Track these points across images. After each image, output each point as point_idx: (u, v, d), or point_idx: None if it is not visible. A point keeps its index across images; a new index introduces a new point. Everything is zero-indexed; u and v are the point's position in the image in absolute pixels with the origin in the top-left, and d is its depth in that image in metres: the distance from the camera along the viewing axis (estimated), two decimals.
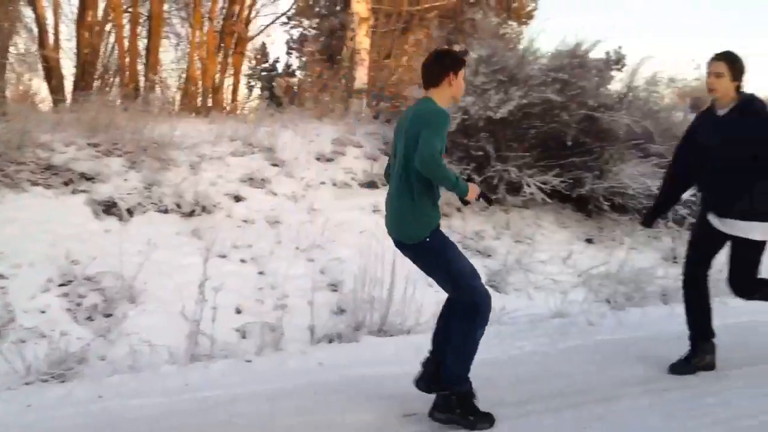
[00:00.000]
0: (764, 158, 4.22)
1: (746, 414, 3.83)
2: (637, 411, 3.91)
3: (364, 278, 5.27)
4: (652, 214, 5.00)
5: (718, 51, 4.41)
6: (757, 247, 4.39)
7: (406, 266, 5.39)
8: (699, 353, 4.62)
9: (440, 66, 3.76)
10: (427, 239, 3.66)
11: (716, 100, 4.43)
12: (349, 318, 5.25)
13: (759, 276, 4.51)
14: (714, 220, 4.48)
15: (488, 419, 3.67)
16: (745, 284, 4.52)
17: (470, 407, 3.66)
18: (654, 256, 7.83)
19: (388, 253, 5.46)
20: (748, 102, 4.35)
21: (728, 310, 6.47)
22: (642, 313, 6.17)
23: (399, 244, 3.84)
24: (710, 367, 4.60)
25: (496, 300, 6.01)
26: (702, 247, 4.68)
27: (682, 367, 4.57)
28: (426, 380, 3.84)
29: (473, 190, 3.67)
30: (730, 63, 4.32)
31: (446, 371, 3.70)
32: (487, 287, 3.77)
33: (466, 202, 3.78)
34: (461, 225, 7.73)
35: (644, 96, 9.09)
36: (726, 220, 4.42)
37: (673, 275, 6.92)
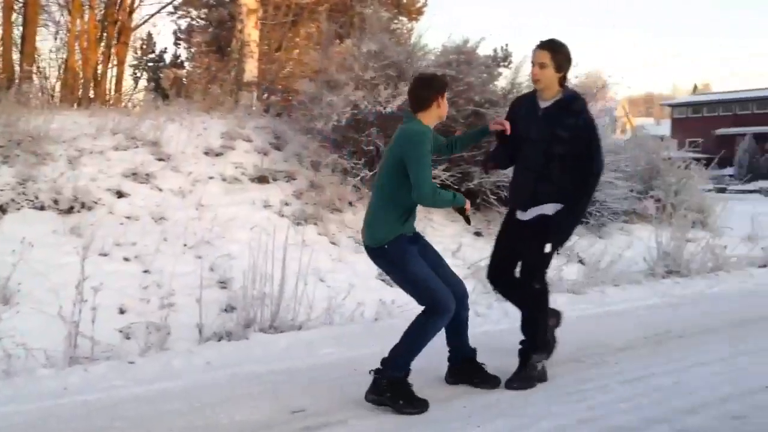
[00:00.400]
0: (574, 157, 4.22)
1: (621, 398, 4.00)
2: (520, 397, 4.02)
3: (254, 274, 5.18)
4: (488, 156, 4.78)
5: (543, 39, 4.30)
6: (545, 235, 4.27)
7: (298, 262, 5.37)
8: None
9: (429, 90, 4.01)
10: (386, 246, 3.89)
11: (540, 91, 4.32)
12: (238, 315, 5.15)
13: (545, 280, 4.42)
14: (519, 213, 4.42)
15: (419, 405, 3.80)
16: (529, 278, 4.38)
17: (401, 393, 3.80)
18: None
19: (279, 248, 5.41)
20: (572, 99, 4.31)
21: (606, 299, 6.80)
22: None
23: (367, 250, 4.06)
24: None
25: (388, 293, 6.10)
26: (504, 240, 4.53)
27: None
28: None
29: (468, 202, 4.03)
30: (554, 52, 4.23)
31: (390, 353, 3.88)
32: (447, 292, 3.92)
33: (463, 213, 4.06)
34: (353, 219, 7.74)
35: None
36: (529, 210, 4.34)
37: (556, 266, 7.18)
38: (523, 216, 4.37)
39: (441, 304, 3.87)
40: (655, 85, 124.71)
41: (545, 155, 4.24)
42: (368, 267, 6.83)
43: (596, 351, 4.97)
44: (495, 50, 13.83)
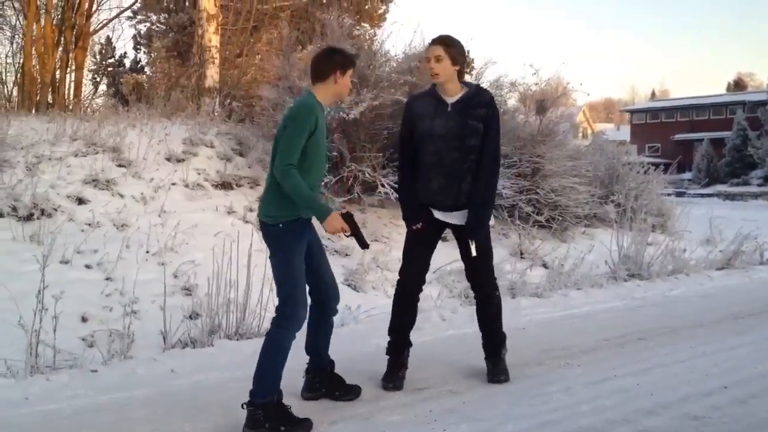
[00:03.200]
0: (489, 151, 4.24)
1: (584, 400, 4.05)
2: (485, 400, 4.05)
3: (219, 281, 5.14)
4: (414, 209, 4.39)
5: (435, 36, 4.25)
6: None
7: (263, 268, 5.34)
8: None
9: (330, 62, 3.80)
10: (280, 225, 3.64)
11: (441, 87, 4.25)
12: (203, 322, 5.11)
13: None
14: (439, 214, 4.33)
15: (303, 426, 3.57)
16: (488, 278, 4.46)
17: (280, 418, 3.54)
18: (503, 253, 8.15)
19: (244, 255, 5.38)
20: (480, 90, 4.35)
21: (569, 302, 6.89)
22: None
23: (260, 225, 3.79)
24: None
25: (354, 298, 6.12)
26: (423, 243, 4.41)
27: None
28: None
29: (333, 221, 3.60)
30: (447, 46, 4.18)
31: (254, 381, 3.60)
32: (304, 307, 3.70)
33: (357, 234, 3.75)
34: (318, 226, 7.71)
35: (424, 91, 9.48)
36: (450, 213, 4.31)
37: (520, 270, 7.26)
38: (451, 219, 4.32)
39: (293, 311, 3.62)
40: (614, 90, 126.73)
41: (460, 150, 4.20)
42: (334, 272, 6.79)
43: (560, 354, 5.03)
44: None
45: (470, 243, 4.30)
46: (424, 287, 4.49)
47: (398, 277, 4.46)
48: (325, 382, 4.05)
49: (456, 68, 4.21)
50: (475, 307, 4.59)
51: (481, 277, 4.44)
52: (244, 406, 3.56)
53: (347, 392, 4.05)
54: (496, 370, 4.44)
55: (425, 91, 4.43)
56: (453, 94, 4.25)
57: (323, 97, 3.79)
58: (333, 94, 3.85)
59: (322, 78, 3.79)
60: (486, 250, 4.38)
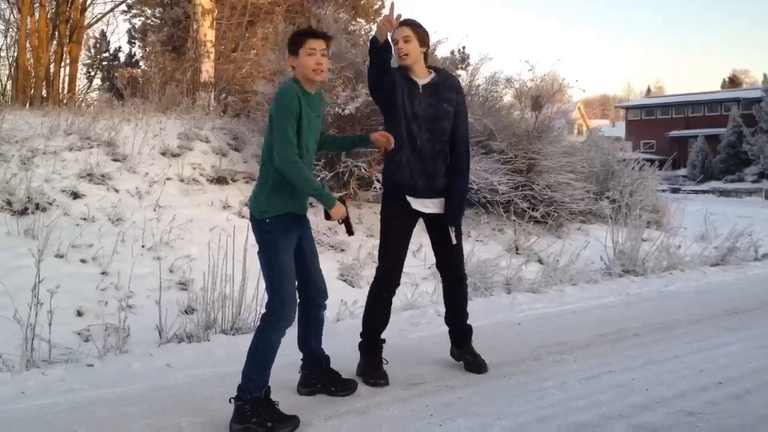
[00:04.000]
0: (462, 136, 4.29)
1: (579, 395, 4.06)
2: (481, 395, 4.05)
3: (214, 276, 5.14)
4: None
5: (403, 19, 4.16)
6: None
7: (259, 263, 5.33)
8: None
9: (290, 45, 3.75)
10: (267, 220, 3.63)
11: (410, 68, 4.20)
12: (199, 317, 5.10)
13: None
14: (416, 203, 4.29)
15: (290, 422, 3.54)
16: (462, 265, 4.47)
17: (267, 414, 3.52)
18: (498, 248, 8.17)
19: (240, 250, 5.37)
20: (448, 75, 4.35)
21: (565, 297, 6.90)
22: (487, 303, 6.43)
23: (250, 219, 3.79)
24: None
25: (349, 293, 6.11)
26: (402, 233, 4.35)
27: None
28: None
29: (339, 208, 3.71)
30: (414, 27, 4.19)
31: (242, 376, 3.59)
32: (291, 302, 3.67)
33: (329, 217, 3.77)
34: (313, 220, 7.68)
35: (485, 94, 9.48)
36: (428, 200, 4.29)
37: (515, 265, 7.27)
38: (423, 207, 4.29)
39: (279, 310, 3.60)
40: (610, 87, 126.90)
41: (431, 132, 4.20)
42: (330, 267, 6.84)
43: (555, 349, 5.04)
44: (452, 52, 13.91)
45: (450, 230, 4.30)
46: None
47: (379, 272, 4.35)
48: (321, 378, 4.05)
49: (423, 50, 4.23)
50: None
51: (456, 264, 4.45)
52: (232, 401, 3.56)
53: (343, 387, 4.04)
54: (477, 361, 4.49)
55: (397, 69, 4.26)
56: (422, 77, 4.24)
57: (302, 83, 3.70)
58: (301, 77, 3.69)
59: (291, 53, 3.72)
60: (460, 238, 4.40)
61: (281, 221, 3.65)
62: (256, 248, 3.72)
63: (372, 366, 4.31)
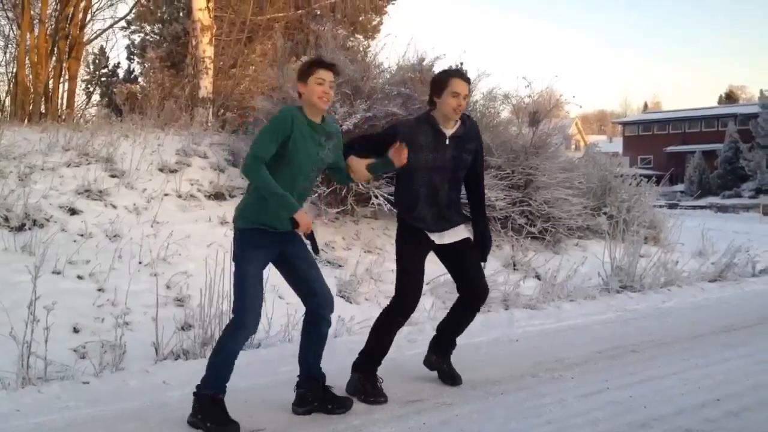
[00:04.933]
0: (481, 178, 4.54)
1: (577, 412, 4.05)
2: (479, 413, 4.04)
3: (211, 292, 5.13)
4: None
5: (460, 71, 4.48)
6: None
7: None
8: None
9: (298, 74, 3.89)
10: (238, 232, 3.82)
11: (445, 119, 4.29)
12: (196, 333, 5.09)
13: None
14: (434, 236, 4.40)
15: (229, 428, 3.64)
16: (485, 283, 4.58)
17: (210, 414, 3.67)
18: (496, 264, 8.16)
19: None
20: (471, 124, 4.44)
21: (562, 314, 6.89)
22: (484, 319, 6.41)
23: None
24: None
25: (347, 310, 6.10)
26: (421, 262, 4.43)
27: None
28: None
29: (304, 216, 3.68)
30: (469, 84, 4.39)
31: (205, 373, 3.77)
32: (251, 315, 3.79)
33: (293, 224, 3.69)
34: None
35: (482, 110, 9.51)
36: (446, 232, 4.42)
37: (513, 281, 7.26)
38: (441, 239, 4.42)
39: (240, 324, 3.75)
40: (607, 102, 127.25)
41: (451, 182, 4.36)
42: (327, 283, 6.80)
43: (553, 366, 5.03)
44: (450, 68, 13.98)
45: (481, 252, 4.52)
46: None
47: (399, 299, 4.38)
48: (317, 395, 4.02)
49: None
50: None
51: (482, 278, 4.53)
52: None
53: (339, 405, 4.02)
54: (453, 372, 4.60)
55: (423, 119, 4.39)
56: (452, 127, 4.33)
57: (306, 110, 3.82)
58: (306, 103, 3.82)
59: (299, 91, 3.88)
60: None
61: (252, 234, 3.78)
62: (276, 271, 3.94)
63: (371, 383, 4.30)
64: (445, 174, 4.31)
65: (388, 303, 4.47)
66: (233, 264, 3.84)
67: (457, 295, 4.61)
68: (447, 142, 4.30)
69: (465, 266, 4.48)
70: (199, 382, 3.76)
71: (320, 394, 4.02)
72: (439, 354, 4.65)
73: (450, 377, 4.58)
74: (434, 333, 4.74)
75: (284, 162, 3.71)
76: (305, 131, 3.75)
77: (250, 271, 3.76)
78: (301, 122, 3.75)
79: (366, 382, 4.30)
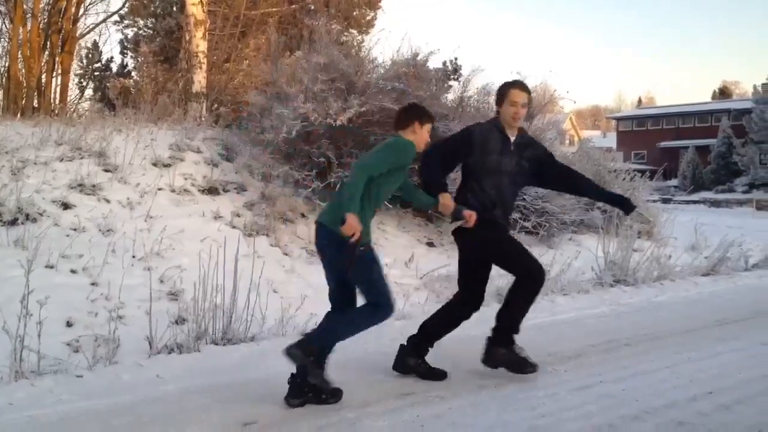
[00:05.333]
0: (561, 162, 4.89)
1: (571, 406, 4.07)
2: (472, 406, 4.05)
3: (205, 286, 5.12)
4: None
5: (519, 82, 4.71)
6: None
7: (250, 273, 5.33)
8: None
9: (411, 113, 4.33)
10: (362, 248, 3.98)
11: (509, 127, 4.60)
12: (189, 327, 5.08)
13: None
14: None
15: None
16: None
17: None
18: None
19: (231, 260, 5.36)
20: (524, 131, 4.78)
21: (556, 307, 6.91)
22: (478, 313, 6.40)
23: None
24: None
25: None
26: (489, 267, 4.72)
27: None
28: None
29: (355, 220, 3.84)
30: (530, 95, 4.69)
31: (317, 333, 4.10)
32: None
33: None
34: (305, 231, 7.72)
35: (477, 106, 9.51)
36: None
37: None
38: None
39: (386, 309, 4.14)
40: (601, 98, 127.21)
41: (515, 186, 4.71)
42: (321, 277, 6.81)
43: (546, 359, 5.03)
44: (444, 63, 13.94)
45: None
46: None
47: (468, 295, 4.69)
48: (312, 386, 4.03)
49: None
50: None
51: (539, 265, 4.66)
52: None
53: (332, 395, 4.06)
54: (520, 360, 4.62)
55: (492, 124, 4.68)
56: (513, 134, 4.64)
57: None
58: (417, 140, 4.25)
59: (403, 127, 4.28)
60: None
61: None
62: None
63: (430, 365, 4.59)
64: (509, 178, 4.60)
65: (455, 296, 4.78)
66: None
67: (451, 291, 4.73)
68: (512, 148, 4.61)
69: (520, 253, 4.64)
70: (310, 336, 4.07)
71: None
72: (506, 344, 4.64)
73: (527, 365, 4.60)
74: (492, 331, 4.72)
75: (390, 178, 4.17)
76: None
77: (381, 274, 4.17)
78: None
79: (427, 364, 4.57)
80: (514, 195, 4.76)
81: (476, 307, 4.72)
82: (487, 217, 4.52)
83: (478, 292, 4.69)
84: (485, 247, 4.58)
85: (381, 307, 4.12)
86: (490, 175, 4.55)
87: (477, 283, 4.69)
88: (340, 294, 4.25)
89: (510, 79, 4.73)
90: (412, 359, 4.63)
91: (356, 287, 4.19)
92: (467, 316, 4.75)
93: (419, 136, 4.26)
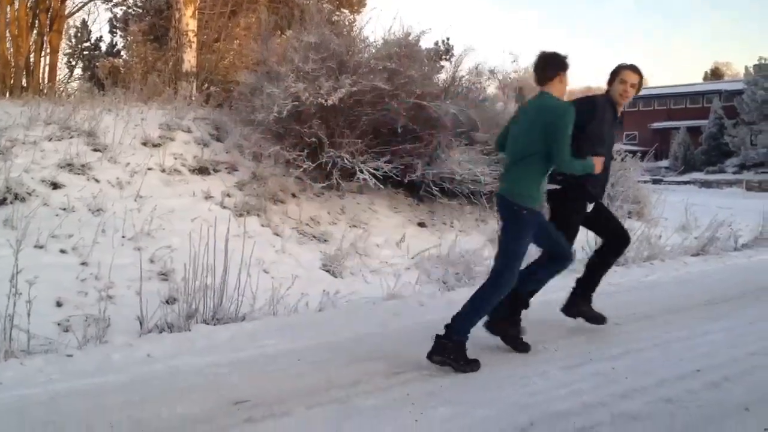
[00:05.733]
0: None
1: (561, 384, 4.09)
2: (462, 384, 4.07)
3: (196, 266, 5.11)
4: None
5: (633, 64, 5.07)
6: None
7: (240, 253, 5.32)
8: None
9: (555, 65, 4.45)
10: (524, 211, 4.35)
11: (617, 104, 5.06)
12: (180, 307, 5.07)
13: None
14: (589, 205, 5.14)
15: (474, 365, 4.28)
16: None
17: (462, 355, 4.27)
18: (481, 239, 8.18)
19: (222, 240, 5.35)
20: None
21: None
22: (469, 293, 6.39)
23: (503, 200, 4.49)
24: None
25: (332, 284, 6.11)
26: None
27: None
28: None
29: (597, 162, 4.54)
30: (642, 77, 5.07)
31: (454, 320, 4.36)
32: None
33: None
34: (296, 211, 7.71)
35: (468, 85, 9.48)
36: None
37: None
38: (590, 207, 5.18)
39: (506, 280, 4.40)
40: (593, 79, 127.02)
41: (610, 157, 5.17)
42: (312, 257, 6.83)
43: (537, 338, 5.04)
44: (437, 43, 13.94)
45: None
46: None
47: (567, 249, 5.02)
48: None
49: None
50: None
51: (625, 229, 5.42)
52: (435, 337, 4.31)
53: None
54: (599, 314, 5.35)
55: (605, 98, 5.10)
56: (619, 111, 5.14)
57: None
58: (559, 94, 4.45)
59: (549, 80, 4.44)
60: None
61: (531, 212, 4.41)
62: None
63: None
64: (611, 150, 5.11)
65: (598, 250, 5.53)
66: (511, 236, 4.39)
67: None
68: (618, 123, 5.15)
69: (608, 218, 5.35)
70: (451, 328, 4.31)
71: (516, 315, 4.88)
72: (586, 300, 5.39)
73: (597, 318, 5.31)
74: (574, 286, 5.53)
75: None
76: None
77: (524, 247, 4.42)
78: None
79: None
80: (609, 166, 5.18)
81: (628, 240, 5.41)
82: (590, 189, 5.02)
83: (618, 231, 5.36)
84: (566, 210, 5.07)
85: (566, 257, 4.72)
86: (601, 144, 4.91)
87: (604, 228, 5.38)
88: (549, 246, 4.70)
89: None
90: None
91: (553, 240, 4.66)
92: (621, 251, 5.53)
93: (564, 84, 4.49)
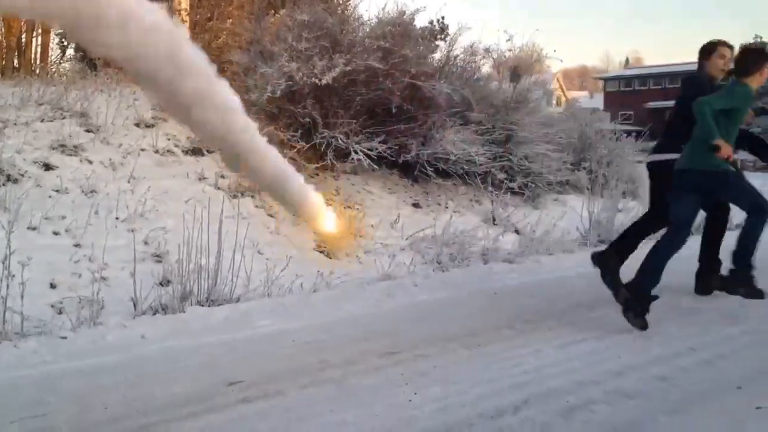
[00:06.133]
0: None
1: (554, 362, 4.11)
2: (456, 364, 4.08)
3: (190, 247, 5.10)
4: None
5: (724, 41, 5.52)
6: None
7: (235, 234, 5.31)
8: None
9: (758, 60, 4.91)
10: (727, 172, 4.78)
11: (715, 79, 5.43)
12: (174, 288, 5.06)
13: None
14: None
15: (644, 323, 4.69)
16: None
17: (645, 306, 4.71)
18: (475, 219, 8.19)
19: (216, 221, 5.34)
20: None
21: (540, 267, 6.94)
22: (464, 273, 6.45)
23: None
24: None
25: (326, 265, 6.10)
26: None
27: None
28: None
29: (724, 145, 4.65)
30: (732, 50, 5.46)
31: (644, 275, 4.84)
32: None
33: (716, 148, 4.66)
34: None
35: (463, 65, 9.44)
36: None
37: (493, 236, 7.29)
38: None
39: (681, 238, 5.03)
40: (588, 58, 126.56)
41: None
42: (306, 239, 6.82)
43: (531, 318, 5.07)
44: (431, 22, 13.78)
45: None
46: None
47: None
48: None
49: None
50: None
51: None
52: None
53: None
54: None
55: (702, 74, 5.56)
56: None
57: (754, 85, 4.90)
58: (757, 84, 4.88)
59: (751, 73, 4.86)
60: None
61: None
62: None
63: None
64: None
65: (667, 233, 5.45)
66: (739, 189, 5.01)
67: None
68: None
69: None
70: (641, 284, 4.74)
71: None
72: (716, 274, 5.87)
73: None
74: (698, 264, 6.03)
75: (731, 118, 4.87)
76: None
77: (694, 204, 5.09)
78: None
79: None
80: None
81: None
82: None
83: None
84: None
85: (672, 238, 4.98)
86: None
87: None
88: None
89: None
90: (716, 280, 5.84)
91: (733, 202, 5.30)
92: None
93: (763, 76, 4.88)
